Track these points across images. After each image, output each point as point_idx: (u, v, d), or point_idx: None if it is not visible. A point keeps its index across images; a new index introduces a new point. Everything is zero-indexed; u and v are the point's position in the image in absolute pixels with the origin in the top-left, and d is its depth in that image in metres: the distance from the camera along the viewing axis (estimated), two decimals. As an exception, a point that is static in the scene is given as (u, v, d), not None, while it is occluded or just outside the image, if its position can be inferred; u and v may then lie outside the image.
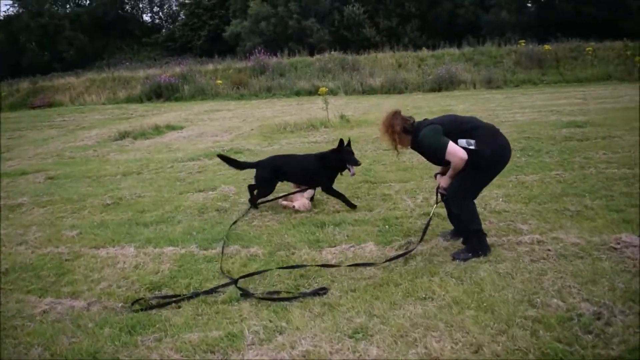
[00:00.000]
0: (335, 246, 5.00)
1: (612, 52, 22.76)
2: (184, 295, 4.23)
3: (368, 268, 4.49)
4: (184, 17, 46.55)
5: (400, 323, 3.60)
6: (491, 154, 4.41)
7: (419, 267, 4.44)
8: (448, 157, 4.40)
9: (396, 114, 4.69)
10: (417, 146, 4.63)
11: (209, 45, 40.05)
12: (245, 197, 6.75)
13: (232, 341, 3.53)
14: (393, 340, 3.41)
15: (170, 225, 5.97)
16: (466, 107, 14.12)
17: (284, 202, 6.30)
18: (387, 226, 5.40)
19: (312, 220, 5.74)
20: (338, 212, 6.06)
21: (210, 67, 27.52)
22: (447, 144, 4.38)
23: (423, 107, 14.74)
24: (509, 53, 24.04)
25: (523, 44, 23.96)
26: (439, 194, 4.79)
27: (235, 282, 4.33)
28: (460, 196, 4.59)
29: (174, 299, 4.17)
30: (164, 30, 49.05)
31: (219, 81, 24.32)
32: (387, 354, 3.28)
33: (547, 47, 23.28)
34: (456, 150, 4.37)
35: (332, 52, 26.58)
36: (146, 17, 54.03)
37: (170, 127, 14.42)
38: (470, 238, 4.59)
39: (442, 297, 3.91)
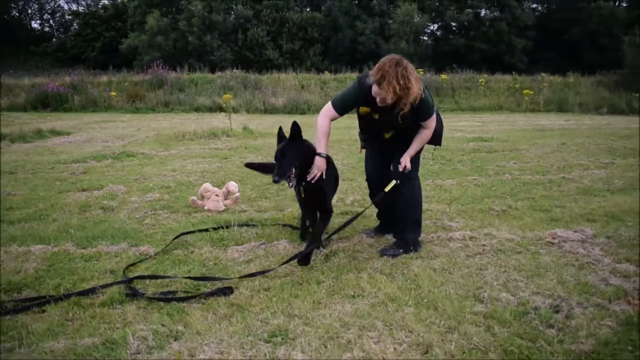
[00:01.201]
0: (242, 244, 4.36)
1: (503, 84, 23.82)
2: (50, 296, 3.30)
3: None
4: (77, 27, 43.99)
5: (327, 323, 2.92)
6: (439, 133, 4.10)
7: (343, 264, 3.83)
8: (429, 123, 3.90)
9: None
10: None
11: (103, 58, 38.09)
12: (137, 195, 6.12)
13: (110, 349, 2.68)
14: (321, 343, 2.72)
15: (43, 223, 5.17)
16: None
17: (196, 201, 5.58)
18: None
19: (215, 220, 5.00)
20: (244, 211, 5.35)
21: (104, 78, 25.86)
22: (434, 108, 3.92)
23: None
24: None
25: (422, 73, 24.50)
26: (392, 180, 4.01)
27: (128, 281, 3.54)
28: (416, 176, 4.13)
29: (37, 302, 3.24)
30: (54, 40, 46.08)
31: (113, 93, 22.82)
32: (316, 358, 2.57)
33: (443, 76, 23.96)
34: (433, 121, 3.93)
35: (234, 70, 25.89)
36: (35, 25, 50.34)
37: (55, 133, 13.11)
38: (406, 230, 4.08)
39: (374, 294, 3.30)
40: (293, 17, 37.38)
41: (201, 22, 33.76)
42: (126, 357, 2.62)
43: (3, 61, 38.91)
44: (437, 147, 4.24)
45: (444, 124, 4.19)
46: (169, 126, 14.54)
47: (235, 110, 19.88)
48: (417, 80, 3.62)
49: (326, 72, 27.24)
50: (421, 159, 4.29)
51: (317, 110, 20.20)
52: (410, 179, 4.04)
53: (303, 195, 4.03)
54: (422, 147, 4.06)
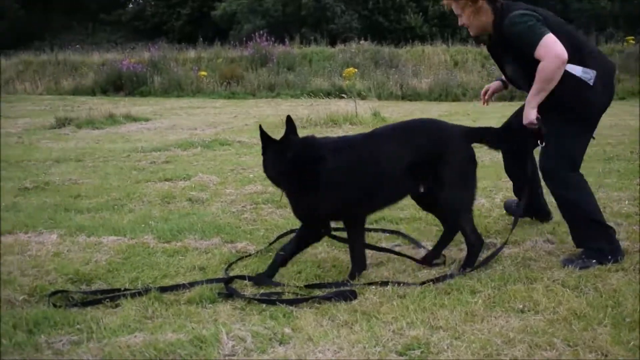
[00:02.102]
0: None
1: None
2: (126, 289, 3.65)
3: (425, 270, 3.92)
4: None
5: (485, 338, 2.97)
6: (608, 101, 4.17)
7: (509, 272, 3.89)
8: (540, 51, 3.86)
9: None
10: (499, 34, 4.12)
11: (191, 28, 40.26)
12: (233, 187, 6.73)
13: (198, 348, 2.91)
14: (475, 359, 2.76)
15: (117, 213, 5.81)
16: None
17: None
18: None
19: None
20: None
21: (192, 54, 27.44)
22: (545, 33, 3.86)
23: (488, 118, 14.33)
24: (610, 53, 23.60)
25: (632, 42, 23.53)
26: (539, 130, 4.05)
27: (227, 280, 3.84)
28: (562, 165, 4.15)
29: (110, 294, 3.60)
30: (130, 6, 49.41)
31: (203, 72, 24.13)
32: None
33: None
34: (554, 44, 3.84)
35: (362, 42, 26.35)
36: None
37: (131, 118, 14.25)
38: (588, 237, 4.10)
39: (552, 309, 3.31)
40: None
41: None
42: (218, 357, 2.83)
43: (67, 33, 42.39)
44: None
45: None
46: (274, 113, 15.16)
47: (362, 95, 20.25)
48: None
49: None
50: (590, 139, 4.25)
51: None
52: (558, 169, 4.13)
53: None
54: (566, 130, 4.06)
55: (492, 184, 6.69)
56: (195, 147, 9.55)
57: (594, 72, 3.99)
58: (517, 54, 4.07)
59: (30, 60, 27.78)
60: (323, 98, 18.25)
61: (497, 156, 8.18)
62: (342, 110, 13.02)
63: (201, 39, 30.05)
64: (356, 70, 13.81)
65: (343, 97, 16.40)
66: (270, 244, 4.57)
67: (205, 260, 4.30)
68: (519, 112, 4.24)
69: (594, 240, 4.07)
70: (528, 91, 4.05)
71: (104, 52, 30.11)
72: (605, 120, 11.85)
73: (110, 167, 8.21)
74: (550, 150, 4.12)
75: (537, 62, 3.88)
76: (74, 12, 46.01)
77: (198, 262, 4.25)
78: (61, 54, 28.78)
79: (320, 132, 11.00)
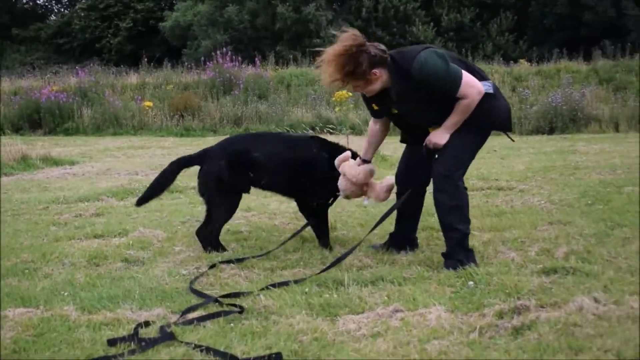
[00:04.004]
0: (362, 312, 4.69)
1: None
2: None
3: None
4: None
5: None
6: (507, 112, 5.67)
7: (546, 342, 3.90)
8: (463, 90, 5.21)
9: (358, 36, 5.36)
10: (404, 81, 5.30)
11: (133, 46, 40.63)
12: (184, 244, 6.90)
13: None
14: None
15: (28, 279, 5.79)
16: (609, 165, 13.76)
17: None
18: (471, 282, 5.25)
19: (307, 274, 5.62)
20: (367, 267, 5.86)
21: (134, 80, 27.68)
22: (461, 72, 5.20)
23: (519, 155, 14.51)
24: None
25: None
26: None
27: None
28: (456, 168, 5.57)
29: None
30: (52, 18, 49.81)
31: (148, 103, 24.34)
32: None
33: None
34: (474, 81, 5.26)
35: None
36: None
37: (51, 161, 14.29)
38: (462, 245, 5.61)
39: None
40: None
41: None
42: None
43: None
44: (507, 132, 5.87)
45: None
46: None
47: (357, 130, 20.36)
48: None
49: (522, 61, 27.31)
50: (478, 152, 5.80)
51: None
52: (452, 175, 5.52)
53: None
54: (470, 139, 5.56)
55: (526, 234, 6.78)
56: (134, 196, 9.45)
57: (489, 82, 5.48)
58: (426, 94, 5.33)
59: None
60: (306, 132, 18.42)
61: (531, 200, 8.35)
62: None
63: (146, 60, 30.23)
64: (350, 94, 13.92)
65: (332, 132, 16.53)
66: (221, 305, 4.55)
67: (145, 334, 4.28)
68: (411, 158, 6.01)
69: (463, 250, 5.55)
70: (431, 126, 5.58)
71: (17, 78, 30.25)
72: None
73: (22, 222, 8.20)
74: (449, 159, 5.50)
75: (447, 98, 5.28)
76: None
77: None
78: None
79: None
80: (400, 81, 5.28)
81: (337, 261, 5.53)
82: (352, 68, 5.13)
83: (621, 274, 5.12)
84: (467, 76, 5.22)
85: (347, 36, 5.20)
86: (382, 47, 5.32)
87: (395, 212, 6.11)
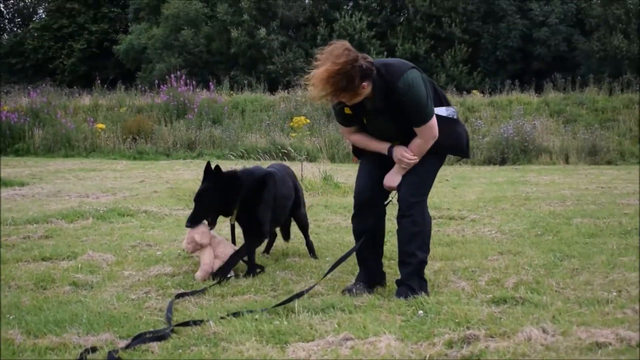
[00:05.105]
0: (313, 340, 4.67)
1: None
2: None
3: None
4: (43, 14, 47.00)
5: None
6: (467, 138, 5.89)
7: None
8: (425, 128, 5.43)
9: (350, 50, 5.28)
10: (386, 93, 5.39)
11: (86, 67, 40.34)
12: (133, 268, 6.84)
13: None
14: None
15: None
16: (559, 197, 13.91)
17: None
18: (421, 312, 5.25)
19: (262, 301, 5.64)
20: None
21: (87, 101, 27.59)
22: (433, 113, 5.42)
23: (470, 185, 14.62)
24: (627, 105, 24.39)
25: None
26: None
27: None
28: (422, 193, 5.76)
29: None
30: (5, 37, 49.33)
31: (101, 125, 24.23)
32: None
33: None
34: (436, 127, 5.47)
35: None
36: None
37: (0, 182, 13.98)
38: (419, 270, 5.68)
39: None
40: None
41: (254, 5, 35.22)
42: None
43: None
44: (464, 158, 6.11)
45: None
46: (194, 177, 15.16)
47: (312, 157, 20.41)
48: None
49: (474, 92, 27.58)
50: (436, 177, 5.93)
51: (459, 158, 20.76)
52: (419, 202, 5.65)
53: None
54: (433, 164, 5.75)
55: (476, 263, 6.85)
56: (85, 219, 9.50)
57: (453, 107, 5.74)
58: (399, 111, 5.44)
59: None
60: (259, 159, 18.36)
61: (482, 230, 8.41)
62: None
63: (99, 81, 30.11)
64: (307, 120, 13.98)
65: (286, 159, 16.52)
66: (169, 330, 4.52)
67: (91, 361, 4.22)
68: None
69: (418, 279, 5.62)
70: (392, 141, 5.65)
71: (-34, 97, 29.89)
72: (623, 186, 12.40)
73: (-37, 244, 8.06)
74: (414, 184, 5.64)
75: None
76: None
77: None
78: None
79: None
80: (380, 93, 5.34)
81: (292, 298, 5.37)
82: (346, 84, 5.13)
83: (569, 305, 5.18)
84: (433, 120, 5.39)
85: (341, 52, 5.14)
86: (370, 59, 5.33)
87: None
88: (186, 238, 6.53)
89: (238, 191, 6.45)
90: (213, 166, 6.41)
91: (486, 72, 37.59)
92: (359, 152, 6.06)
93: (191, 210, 6.54)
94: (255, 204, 6.53)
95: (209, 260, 6.44)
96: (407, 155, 5.51)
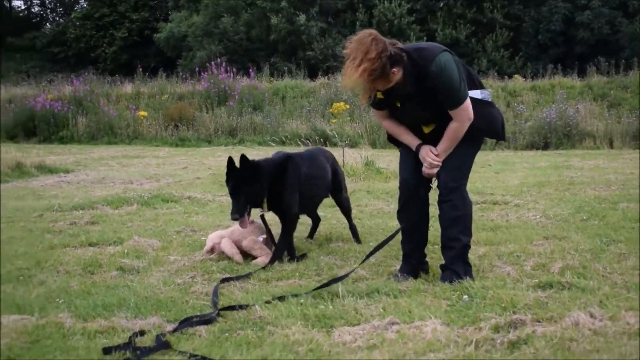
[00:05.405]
0: (359, 324, 4.65)
1: None
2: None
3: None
4: (85, 4, 47.25)
5: None
6: (502, 121, 5.85)
7: (543, 357, 3.84)
8: (459, 111, 5.40)
9: (378, 39, 5.27)
10: (417, 78, 5.37)
11: (128, 56, 40.54)
12: (179, 253, 6.92)
13: None
14: None
15: (23, 285, 5.81)
16: (604, 181, 13.79)
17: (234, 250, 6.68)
18: (466, 296, 5.25)
19: (307, 286, 5.70)
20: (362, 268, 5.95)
21: (129, 89, 27.66)
22: (467, 95, 5.40)
23: (513, 170, 14.51)
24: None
25: None
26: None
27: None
28: (461, 178, 5.74)
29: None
30: (47, 26, 49.62)
31: (143, 113, 24.32)
32: None
33: None
34: (470, 109, 5.43)
35: (353, 74, 26.69)
36: (17, 2, 54.41)
37: (45, 169, 14.38)
38: (451, 257, 5.66)
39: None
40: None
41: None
42: None
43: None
44: (500, 141, 6.08)
45: None
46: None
47: (353, 143, 20.39)
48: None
49: (516, 76, 27.37)
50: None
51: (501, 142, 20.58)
52: (459, 188, 5.65)
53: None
54: (471, 148, 5.73)
55: (521, 248, 6.80)
56: (130, 205, 9.64)
57: (488, 90, 5.74)
58: (431, 94, 5.41)
59: None
60: (300, 145, 18.36)
61: (526, 215, 8.35)
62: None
63: (141, 69, 30.17)
64: (347, 106, 13.96)
65: (327, 145, 16.50)
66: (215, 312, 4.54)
67: (140, 343, 4.28)
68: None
69: (462, 263, 5.62)
70: (427, 124, 5.69)
71: (12, 85, 30.18)
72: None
73: (16, 229, 8.23)
74: (453, 169, 5.63)
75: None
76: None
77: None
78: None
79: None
80: (412, 78, 5.34)
81: (331, 282, 5.41)
82: (379, 74, 5.14)
83: (617, 290, 5.12)
84: (468, 100, 5.37)
85: (369, 45, 5.13)
86: (399, 44, 5.36)
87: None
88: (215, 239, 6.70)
89: (262, 180, 6.44)
90: (237, 158, 6.40)
91: (528, 57, 37.23)
92: (394, 141, 6.07)
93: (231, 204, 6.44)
94: (280, 189, 6.56)
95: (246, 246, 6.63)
96: (431, 156, 5.55)
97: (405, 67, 5.29)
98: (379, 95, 5.57)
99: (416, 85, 5.38)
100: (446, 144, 5.52)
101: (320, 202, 7.43)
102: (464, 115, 5.38)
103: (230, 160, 6.38)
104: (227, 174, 6.40)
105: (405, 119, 5.75)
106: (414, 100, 5.51)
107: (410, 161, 5.84)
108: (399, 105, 5.63)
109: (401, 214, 5.94)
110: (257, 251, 6.63)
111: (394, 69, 5.22)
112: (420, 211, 5.92)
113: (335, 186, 7.34)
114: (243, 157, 6.37)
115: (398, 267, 6.00)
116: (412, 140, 5.71)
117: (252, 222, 6.78)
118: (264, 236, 6.76)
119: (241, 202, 6.27)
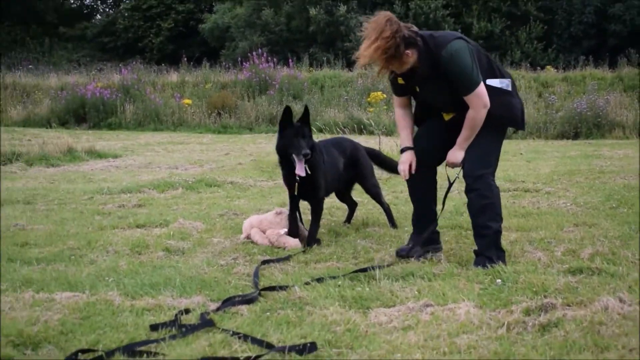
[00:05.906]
0: (394, 305, 4.68)
1: None
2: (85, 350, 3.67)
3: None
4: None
5: None
6: (521, 110, 5.83)
7: (572, 340, 3.85)
8: (472, 97, 5.40)
9: (392, 21, 5.33)
10: (430, 64, 5.42)
11: (174, 46, 40.75)
12: (222, 235, 7.05)
13: None
14: None
15: (74, 264, 5.94)
16: (633, 170, 13.67)
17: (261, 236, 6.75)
18: (499, 280, 5.24)
19: (344, 268, 5.76)
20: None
21: (174, 78, 27.82)
22: (480, 81, 5.38)
23: (545, 159, 14.41)
24: None
25: None
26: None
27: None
28: (485, 166, 5.67)
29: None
30: (97, 17, 49.94)
31: (187, 101, 24.43)
32: None
33: None
34: (485, 95, 5.41)
35: (389, 64, 26.69)
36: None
37: (95, 154, 14.58)
38: (482, 245, 5.64)
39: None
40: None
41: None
42: None
43: (17, 50, 42.69)
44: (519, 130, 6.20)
45: None
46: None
47: (388, 131, 20.32)
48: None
49: (548, 67, 27.21)
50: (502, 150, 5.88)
51: (532, 132, 20.49)
52: (485, 177, 5.60)
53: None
54: (493, 136, 5.67)
55: (552, 234, 6.78)
56: (175, 189, 9.78)
57: (508, 79, 5.68)
58: (446, 80, 5.44)
59: (-33, 84, 28.05)
60: (338, 133, 18.36)
61: (557, 202, 8.30)
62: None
63: (185, 59, 30.33)
64: (384, 96, 13.96)
65: (364, 133, 16.53)
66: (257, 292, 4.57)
67: (185, 321, 4.32)
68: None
69: (495, 249, 5.59)
70: (446, 111, 5.79)
71: (64, 74, 30.46)
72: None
73: (68, 211, 8.36)
74: (477, 159, 5.62)
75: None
76: (26, 24, 46.44)
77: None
78: (9, 75, 29.11)
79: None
80: (426, 63, 5.39)
81: (367, 269, 5.45)
82: (392, 53, 5.18)
83: (645, 276, 5.08)
84: (482, 87, 5.39)
85: (384, 25, 5.21)
86: (414, 28, 5.41)
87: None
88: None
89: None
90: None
91: (560, 49, 36.94)
92: (419, 122, 6.13)
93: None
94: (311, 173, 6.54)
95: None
96: (404, 167, 5.84)
97: (420, 51, 5.35)
98: (400, 80, 5.68)
99: (431, 70, 5.43)
100: (466, 133, 5.56)
101: (331, 192, 7.34)
102: (479, 102, 5.40)
103: (289, 110, 6.62)
104: (289, 123, 6.57)
105: (425, 102, 5.87)
106: (431, 85, 5.58)
107: (428, 130, 5.99)
108: (417, 90, 5.72)
109: (410, 181, 6.07)
110: (277, 242, 6.60)
111: (408, 51, 5.27)
112: (428, 180, 6.03)
113: (356, 175, 7.42)
114: (306, 109, 6.73)
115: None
116: (404, 139, 5.93)
117: (281, 212, 6.84)
118: (286, 229, 6.70)
119: (306, 143, 6.43)
